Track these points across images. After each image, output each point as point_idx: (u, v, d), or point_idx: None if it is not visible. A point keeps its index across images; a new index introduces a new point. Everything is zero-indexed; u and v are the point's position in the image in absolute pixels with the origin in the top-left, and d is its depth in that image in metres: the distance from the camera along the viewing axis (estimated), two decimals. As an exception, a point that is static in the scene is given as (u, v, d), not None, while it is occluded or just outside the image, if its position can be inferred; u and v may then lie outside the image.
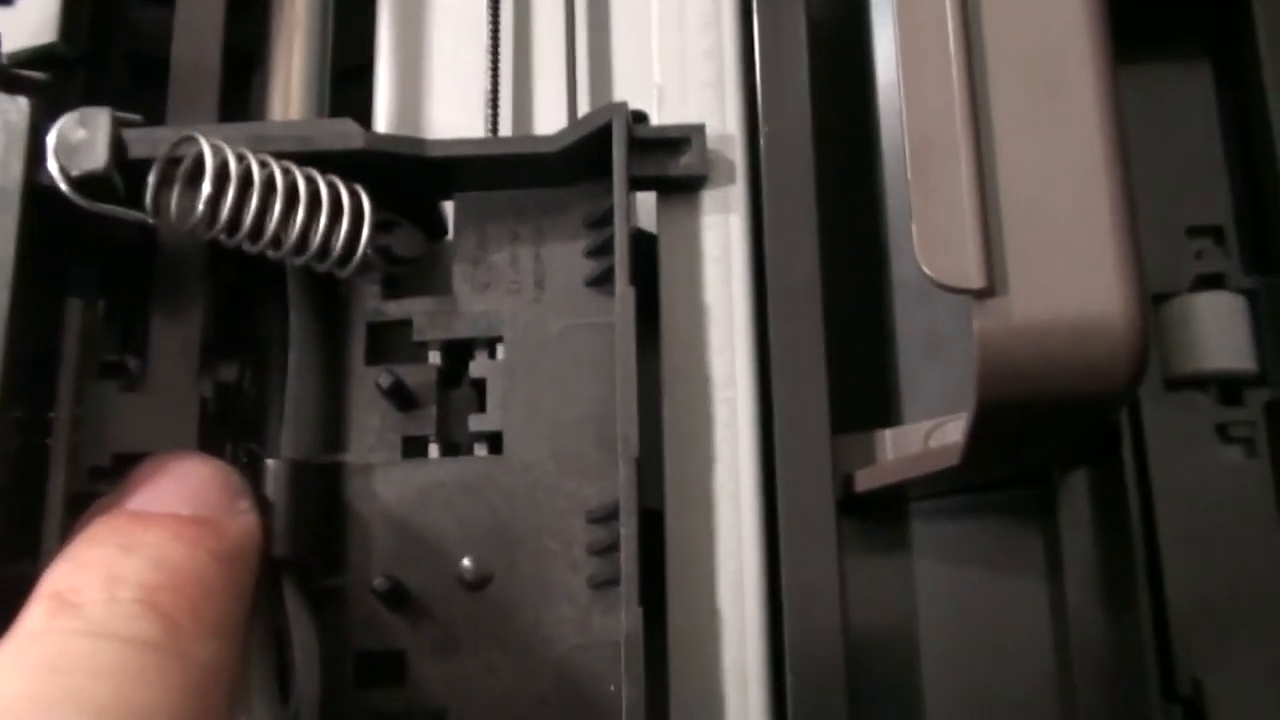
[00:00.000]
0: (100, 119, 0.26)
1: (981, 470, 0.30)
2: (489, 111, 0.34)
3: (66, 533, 0.27)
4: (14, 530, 0.25)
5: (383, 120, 0.36)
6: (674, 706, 0.29)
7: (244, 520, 0.26)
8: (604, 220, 0.31)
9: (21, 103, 0.27)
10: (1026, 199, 0.24)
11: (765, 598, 0.29)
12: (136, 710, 0.21)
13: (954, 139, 0.24)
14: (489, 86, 0.35)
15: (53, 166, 0.26)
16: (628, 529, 0.28)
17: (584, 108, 0.35)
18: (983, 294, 0.23)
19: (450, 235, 0.32)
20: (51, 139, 0.26)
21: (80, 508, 0.27)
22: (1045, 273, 0.23)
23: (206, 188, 0.27)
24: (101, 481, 0.28)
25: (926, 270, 0.23)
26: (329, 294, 0.31)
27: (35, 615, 0.22)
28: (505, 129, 0.35)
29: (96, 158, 0.26)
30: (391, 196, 0.31)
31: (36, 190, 0.26)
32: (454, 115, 0.35)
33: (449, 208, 0.32)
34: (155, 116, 0.31)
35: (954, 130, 0.24)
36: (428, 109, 0.36)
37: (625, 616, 0.27)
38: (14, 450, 0.25)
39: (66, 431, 0.27)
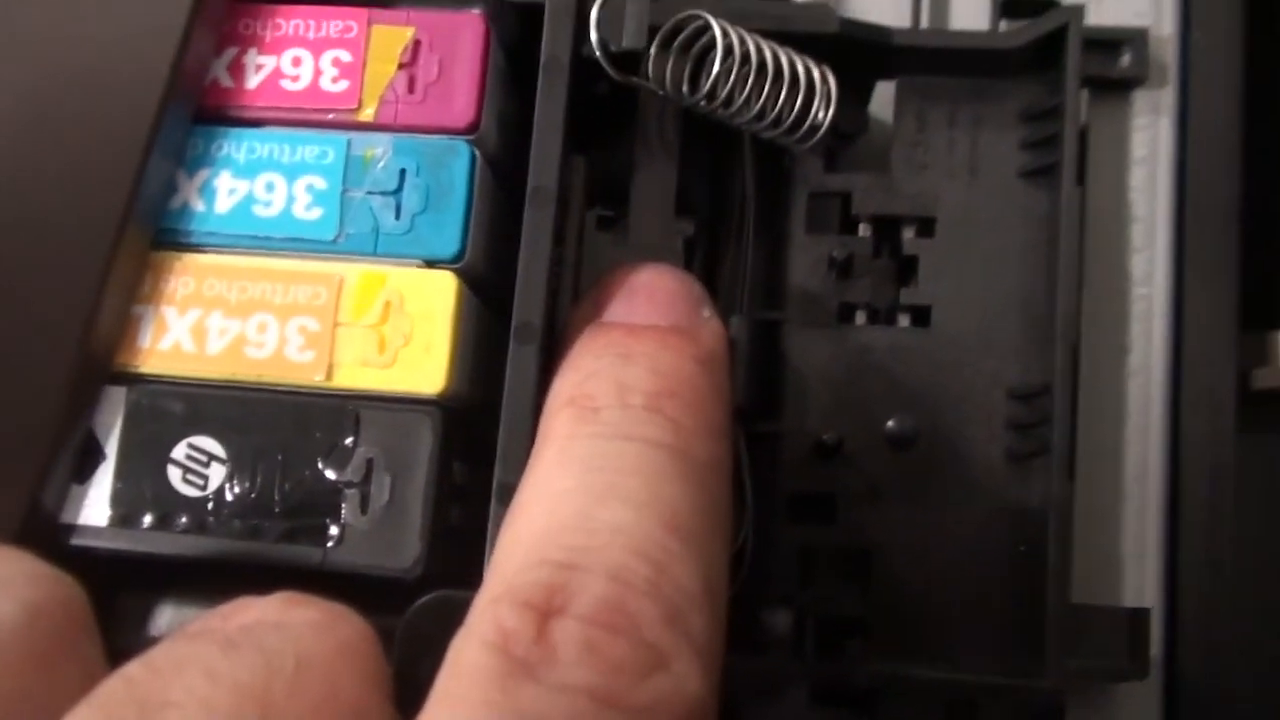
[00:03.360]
0: (640, 0, 0.28)
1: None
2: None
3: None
4: (547, 361, 0.29)
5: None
6: (1076, 570, 0.32)
7: (712, 326, 0.28)
8: (1043, 116, 0.32)
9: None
10: None
11: (1166, 478, 0.32)
12: (666, 501, 0.23)
13: None
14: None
15: (595, 41, 0.29)
16: (1061, 408, 0.30)
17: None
18: None
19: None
20: (594, 15, 0.29)
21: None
22: None
23: (716, 65, 0.30)
24: (600, 321, 0.31)
25: None
26: (775, 164, 0.34)
27: (564, 421, 0.25)
28: (924, 14, 0.36)
29: (637, 36, 0.28)
30: (837, 75, 0.33)
31: (578, 61, 0.29)
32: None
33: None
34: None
35: None
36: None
37: (1055, 487, 0.30)
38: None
39: (571, 271, 0.30)
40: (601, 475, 0.23)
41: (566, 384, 0.26)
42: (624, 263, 0.29)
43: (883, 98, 0.34)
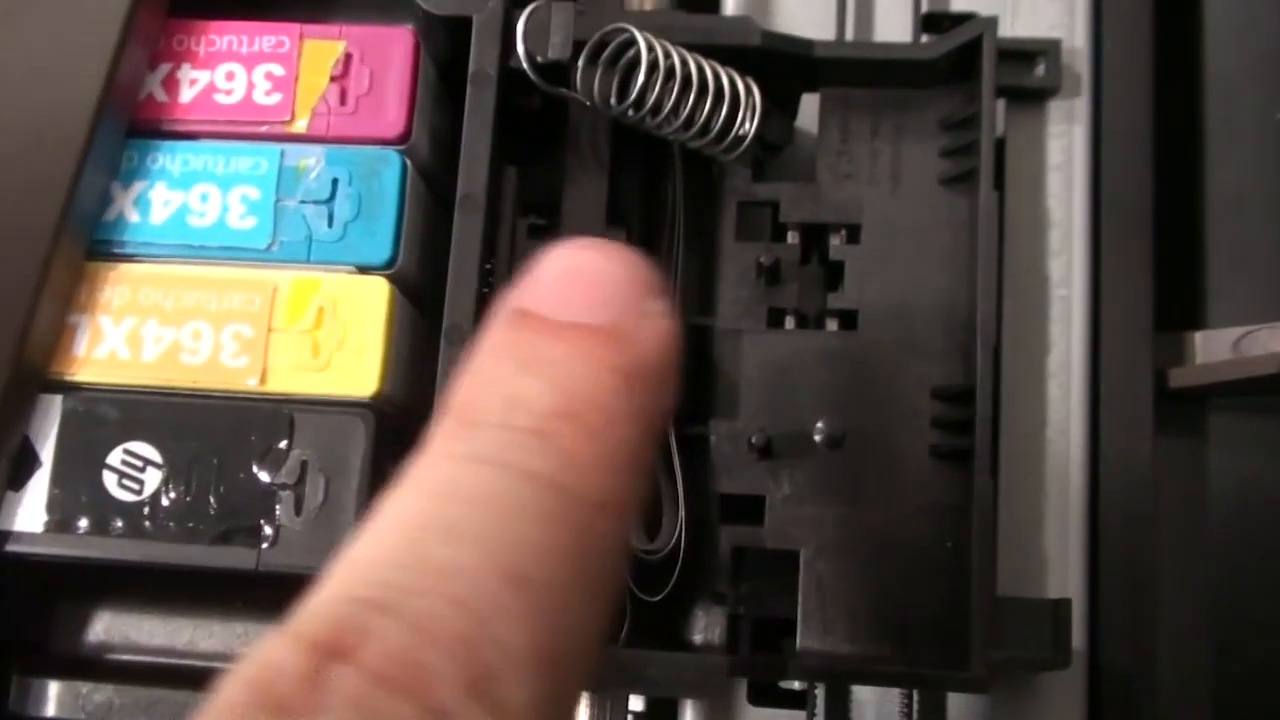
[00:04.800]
0: (565, 13, 0.29)
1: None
2: (839, 14, 0.37)
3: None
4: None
5: (730, 8, 0.38)
6: (1001, 565, 0.33)
7: (655, 326, 0.22)
8: (961, 124, 0.34)
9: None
10: None
11: (1087, 474, 0.33)
12: (516, 545, 0.19)
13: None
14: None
15: (521, 53, 0.30)
16: (983, 408, 0.31)
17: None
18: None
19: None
20: (520, 28, 0.29)
21: (514, 352, 0.31)
22: None
23: (641, 76, 0.31)
24: (531, 330, 0.31)
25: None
26: (704, 174, 0.35)
27: (438, 436, 0.21)
28: (849, 28, 0.37)
29: (562, 48, 0.29)
30: (763, 87, 0.34)
31: (506, 72, 0.29)
32: (800, 10, 0.38)
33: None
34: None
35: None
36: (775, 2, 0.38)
37: (977, 485, 0.31)
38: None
39: (504, 282, 0.31)
40: (451, 506, 0.19)
41: (459, 388, 0.22)
42: (568, 241, 0.23)
43: (809, 109, 0.35)
